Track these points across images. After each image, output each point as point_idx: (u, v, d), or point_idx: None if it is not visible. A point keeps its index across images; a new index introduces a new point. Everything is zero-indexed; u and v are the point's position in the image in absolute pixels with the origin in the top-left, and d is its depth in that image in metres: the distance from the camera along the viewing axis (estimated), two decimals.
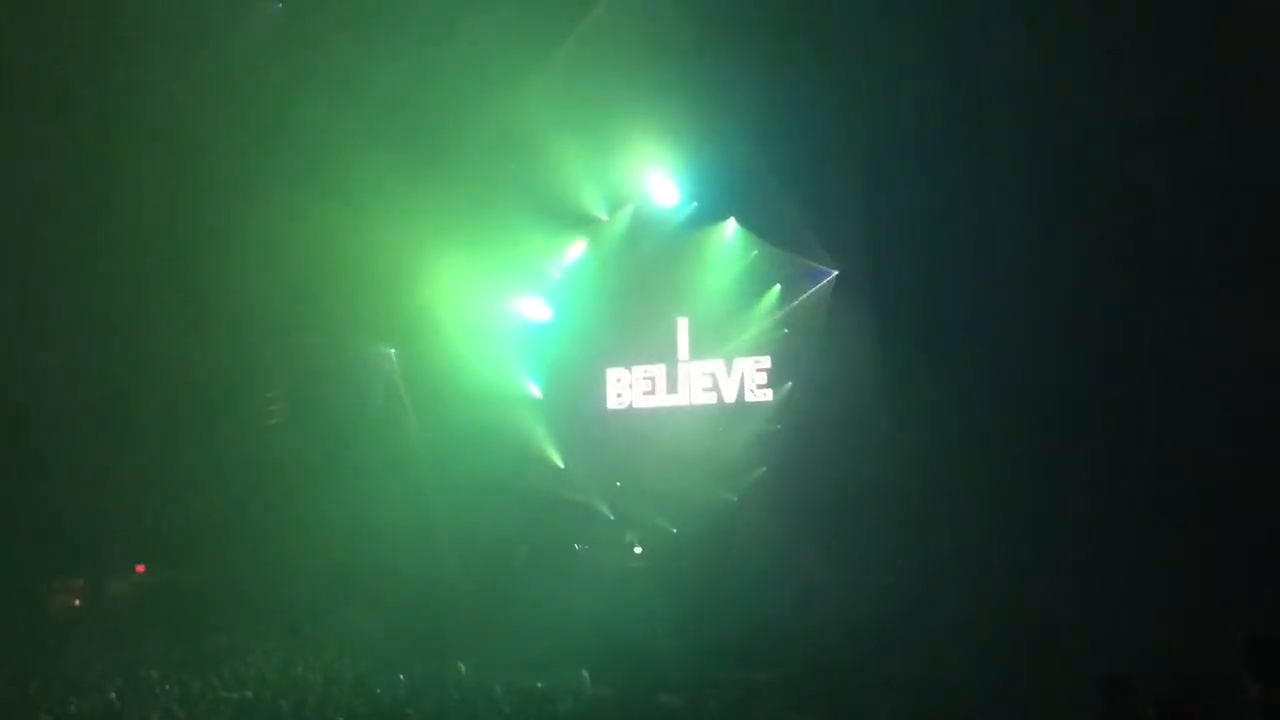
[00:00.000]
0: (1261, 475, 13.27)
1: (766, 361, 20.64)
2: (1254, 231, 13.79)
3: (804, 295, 19.85)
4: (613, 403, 22.49)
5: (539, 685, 14.38)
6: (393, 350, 24.39)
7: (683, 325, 21.71)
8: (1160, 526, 13.95)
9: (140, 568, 23.79)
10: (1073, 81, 15.15)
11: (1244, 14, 13.69)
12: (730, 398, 21.03)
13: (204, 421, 22.68)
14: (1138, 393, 14.73)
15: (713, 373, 21.32)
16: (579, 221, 22.14)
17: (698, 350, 21.60)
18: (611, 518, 21.54)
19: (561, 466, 22.37)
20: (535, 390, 22.91)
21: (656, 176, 20.94)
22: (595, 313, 22.06)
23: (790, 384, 20.15)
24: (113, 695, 15.06)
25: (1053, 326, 15.62)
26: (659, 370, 22.00)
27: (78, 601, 23.29)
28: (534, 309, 22.97)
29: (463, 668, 15.39)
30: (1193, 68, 13.91)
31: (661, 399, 21.93)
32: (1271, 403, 13.55)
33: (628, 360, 22.33)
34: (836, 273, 19.38)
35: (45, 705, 14.51)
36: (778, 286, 20.25)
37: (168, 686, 15.46)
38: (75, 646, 18.70)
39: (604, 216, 21.99)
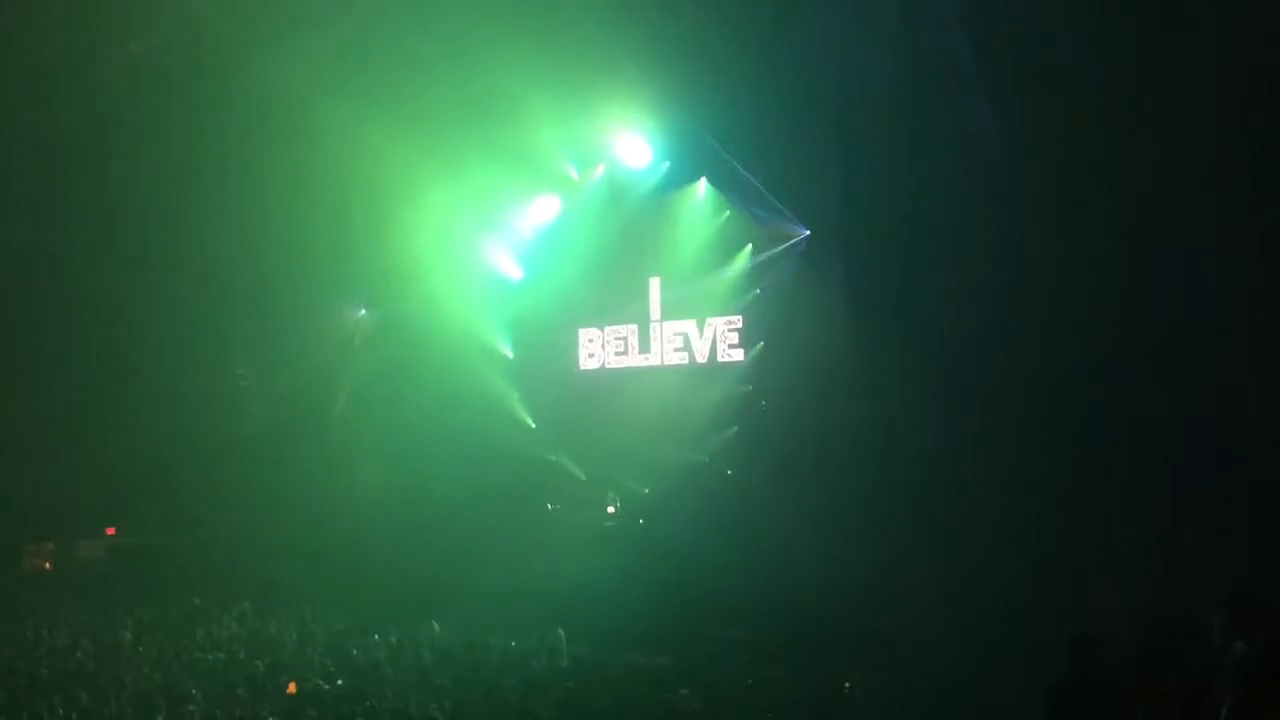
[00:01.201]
0: (1225, 440, 13.49)
1: (739, 321, 20.65)
2: (1225, 227, 13.92)
3: (776, 255, 19.85)
4: (585, 363, 22.48)
5: (514, 644, 14.50)
6: (364, 310, 24.30)
7: (655, 285, 21.68)
8: (1131, 486, 14.13)
9: (111, 530, 23.68)
10: (1056, 56, 15.18)
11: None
12: (702, 358, 21.04)
13: (176, 383, 22.53)
14: (1106, 361, 14.85)
15: (685, 333, 21.31)
16: (551, 181, 22.06)
17: (670, 310, 21.57)
18: (584, 478, 21.59)
19: (533, 426, 22.41)
20: (507, 351, 22.91)
21: (629, 136, 20.82)
22: (567, 273, 21.98)
23: (762, 343, 20.18)
24: (84, 657, 15.07)
25: (1026, 291, 15.73)
26: (631, 330, 21.98)
27: (48, 565, 23.19)
28: (506, 268, 22.88)
29: (437, 627, 15.49)
30: (1181, 61, 13.94)
31: (634, 359, 21.94)
32: (1236, 379, 13.75)
33: (600, 320, 22.30)
34: (808, 233, 19.39)
35: (19, 668, 14.50)
36: (750, 246, 20.21)
37: (141, 648, 15.47)
38: (46, 609, 18.64)
39: (576, 176, 21.90)
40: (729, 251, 20.44)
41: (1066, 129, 15.14)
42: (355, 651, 14.56)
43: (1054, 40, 15.27)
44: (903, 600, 14.79)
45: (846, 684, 12.19)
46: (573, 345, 22.54)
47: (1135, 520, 13.82)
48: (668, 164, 20.86)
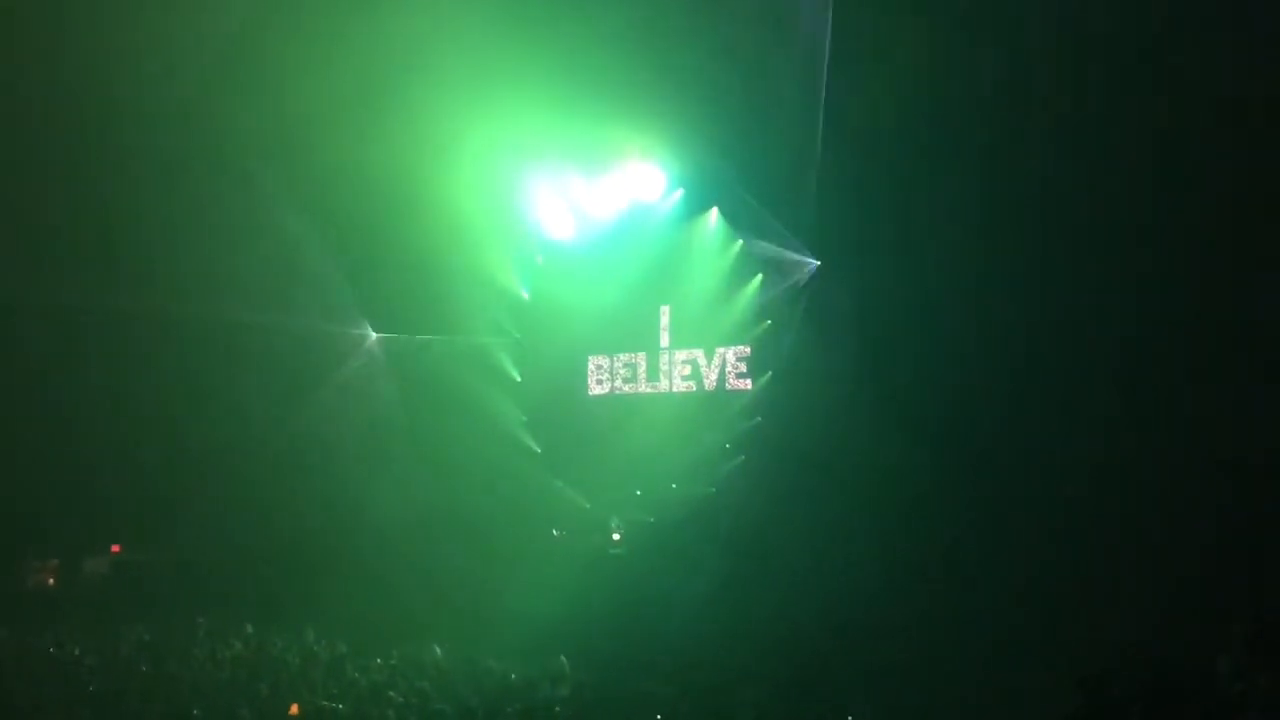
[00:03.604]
0: (1236, 468, 13.44)
1: (747, 351, 20.71)
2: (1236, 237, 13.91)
3: (786, 285, 19.89)
4: (594, 389, 22.55)
5: (519, 670, 14.44)
6: (374, 333, 24.36)
7: (665, 313, 21.78)
8: (1138, 520, 14.09)
9: (116, 548, 23.66)
10: (1060, 82, 15.24)
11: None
12: (711, 386, 21.11)
13: (183, 401, 22.56)
14: (1118, 394, 14.84)
15: (694, 361, 21.39)
16: (563, 207, 22.16)
17: (679, 339, 21.66)
18: (589, 505, 21.59)
19: (539, 452, 22.44)
20: (515, 374, 22.97)
21: (642, 164, 20.93)
22: (577, 300, 22.07)
23: (770, 373, 20.22)
24: (87, 676, 15.06)
25: (1036, 319, 15.73)
26: (640, 358, 22.08)
27: (52, 581, 23.17)
28: (517, 291, 22.96)
29: (438, 650, 15.43)
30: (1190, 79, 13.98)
31: (643, 386, 22.00)
32: (1246, 404, 13.72)
33: (609, 348, 22.40)
34: (819, 263, 19.44)
35: (19, 685, 14.50)
36: (759, 276, 20.29)
37: (144, 668, 15.45)
38: (50, 626, 18.62)
39: (588, 203, 22.00)
40: (739, 281, 20.51)
41: (1086, 154, 15.17)
42: (357, 674, 14.51)
43: (1069, 61, 15.33)
44: (909, 633, 14.73)
45: (849, 717, 12.12)
46: (582, 371, 22.61)
47: (1143, 555, 13.76)
48: (680, 192, 20.96)
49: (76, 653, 16.46)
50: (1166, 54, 14.18)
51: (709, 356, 21.17)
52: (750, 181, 19.45)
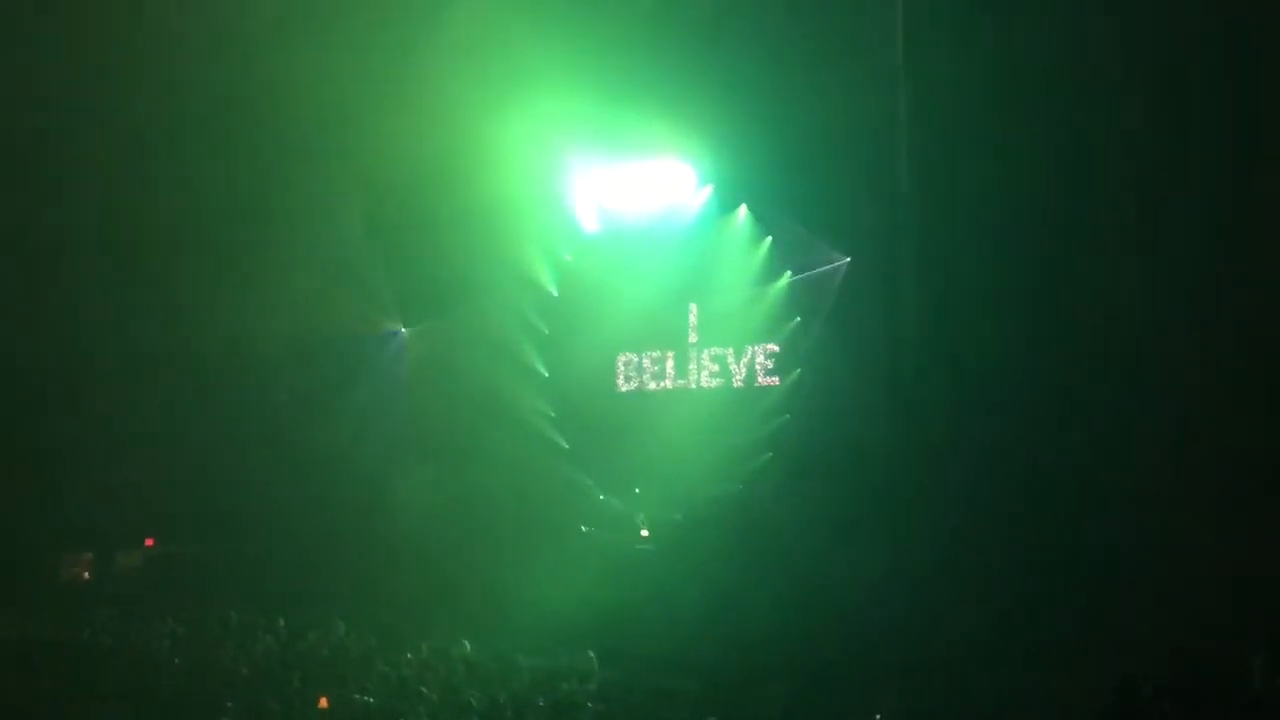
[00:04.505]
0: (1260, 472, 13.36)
1: (775, 348, 20.67)
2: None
3: (815, 283, 19.84)
4: (622, 386, 22.56)
5: (546, 665, 14.46)
6: (404, 329, 24.47)
7: (693, 311, 21.76)
8: (1165, 522, 13.99)
9: (149, 542, 23.86)
10: (1091, 73, 15.16)
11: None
12: (739, 383, 21.08)
13: (215, 396, 22.74)
14: (1149, 388, 14.74)
15: (722, 358, 21.36)
16: (592, 205, 22.18)
17: (708, 336, 21.65)
18: (618, 502, 21.60)
19: (567, 448, 22.48)
20: (543, 370, 23.02)
21: (671, 162, 20.91)
22: (606, 297, 22.07)
23: (799, 371, 20.18)
24: (120, 670, 15.21)
25: (1066, 315, 15.64)
26: (669, 355, 22.06)
27: (86, 574, 23.39)
28: (547, 287, 23.01)
29: (467, 645, 15.48)
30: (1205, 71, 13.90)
31: (671, 383, 21.99)
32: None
33: (638, 345, 22.39)
34: (848, 260, 19.38)
35: (52, 677, 14.66)
36: (789, 273, 20.25)
37: (176, 661, 15.58)
38: (83, 619, 18.81)
39: (616, 200, 21.99)
40: (768, 278, 20.47)
41: (1115, 145, 15.08)
42: (387, 668, 14.59)
43: (1102, 63, 15.25)
44: (940, 632, 14.67)
45: (878, 715, 12.08)
46: (610, 368, 22.63)
47: (1171, 557, 13.66)
48: (710, 189, 20.93)
49: (109, 644, 16.62)
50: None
51: (738, 354, 21.15)
52: (780, 178, 19.38)
